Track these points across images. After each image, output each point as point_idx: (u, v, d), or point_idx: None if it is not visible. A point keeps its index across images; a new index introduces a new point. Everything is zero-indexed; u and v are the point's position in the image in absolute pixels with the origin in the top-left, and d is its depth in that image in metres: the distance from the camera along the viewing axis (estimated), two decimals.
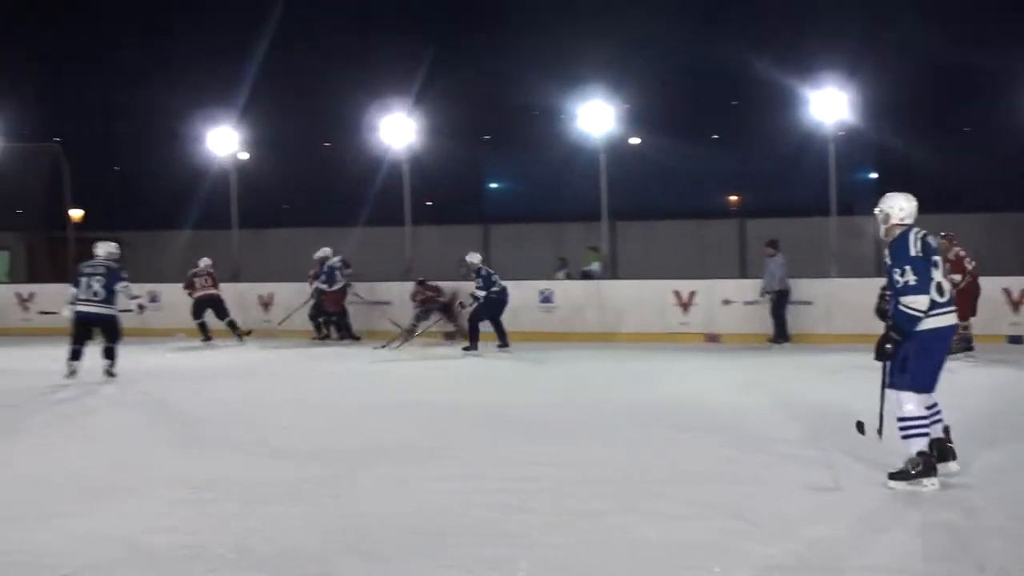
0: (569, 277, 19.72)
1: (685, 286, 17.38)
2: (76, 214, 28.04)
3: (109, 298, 12.52)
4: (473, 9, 31.49)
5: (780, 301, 16.21)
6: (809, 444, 7.74)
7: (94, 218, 30.41)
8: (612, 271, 20.36)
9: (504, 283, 16.02)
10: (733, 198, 32.04)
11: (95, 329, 12.60)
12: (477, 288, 15.76)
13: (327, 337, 17.96)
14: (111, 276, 12.58)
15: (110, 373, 12.42)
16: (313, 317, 18.02)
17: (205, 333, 17.87)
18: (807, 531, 5.48)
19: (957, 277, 13.41)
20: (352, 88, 26.82)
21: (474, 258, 16.29)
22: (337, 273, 17.76)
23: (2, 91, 27.23)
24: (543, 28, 30.54)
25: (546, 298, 17.88)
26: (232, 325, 17.84)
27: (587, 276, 19.66)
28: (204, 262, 18.19)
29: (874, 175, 30.03)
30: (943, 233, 14.02)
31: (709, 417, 9.22)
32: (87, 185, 26.24)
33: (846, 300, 15.87)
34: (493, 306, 15.74)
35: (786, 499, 6.14)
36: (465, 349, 15.72)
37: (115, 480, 6.84)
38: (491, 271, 16.07)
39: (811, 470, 6.80)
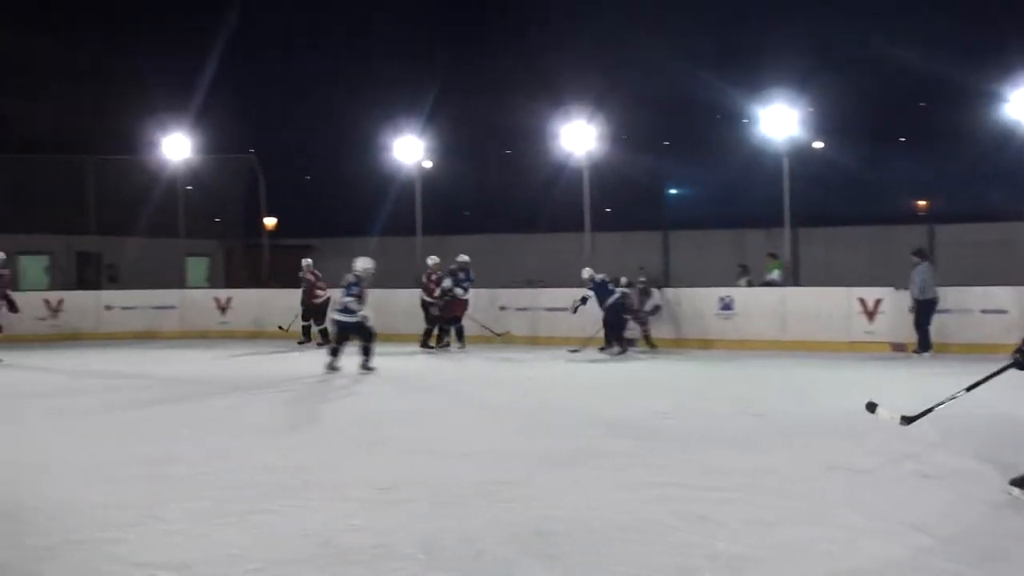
0: (751, 284, 19.46)
1: (870, 294, 16.93)
2: (270, 222, 29.31)
3: (353, 306, 13.80)
4: (653, 14, 31.39)
5: (924, 311, 15.76)
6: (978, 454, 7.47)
7: (287, 226, 31.71)
8: (794, 278, 19.96)
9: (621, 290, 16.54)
10: (921, 203, 30.95)
11: (350, 334, 14.00)
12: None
13: (446, 345, 17.97)
14: (350, 288, 13.85)
15: (366, 368, 13.83)
16: (435, 322, 18.06)
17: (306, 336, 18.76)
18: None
19: None
20: (533, 96, 27.15)
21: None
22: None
23: (204, 106, 28.66)
24: (725, 31, 30.24)
25: (726, 305, 17.70)
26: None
27: (768, 284, 19.36)
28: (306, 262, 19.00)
29: None
30: None
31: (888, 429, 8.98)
32: (280, 194, 27.36)
33: None
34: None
35: (963, 509, 5.95)
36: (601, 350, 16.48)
37: (307, 479, 7.11)
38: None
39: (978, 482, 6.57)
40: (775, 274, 19.44)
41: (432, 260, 18.31)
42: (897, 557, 5.20)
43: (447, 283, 17.53)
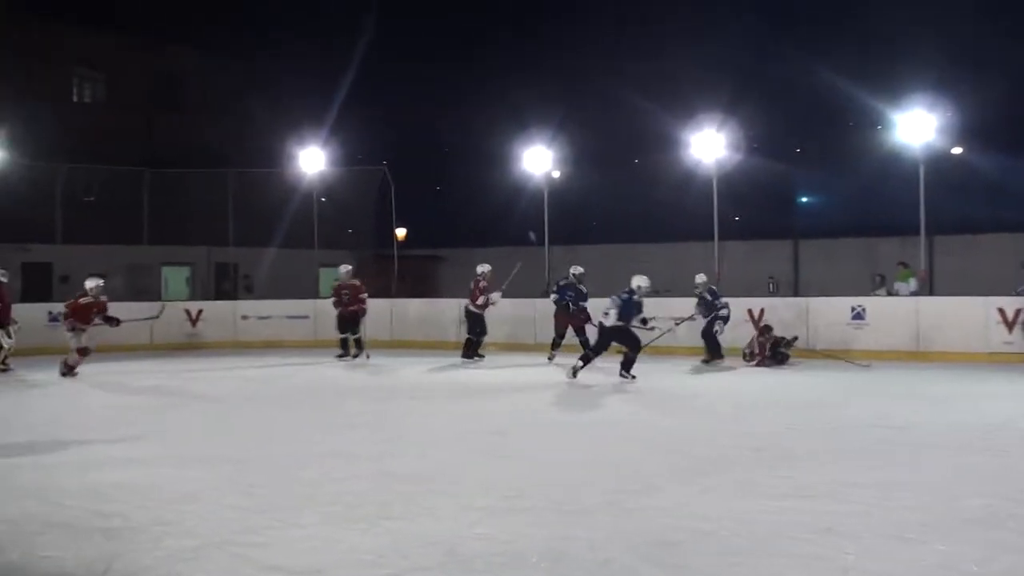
0: (889, 294, 19.07)
1: (1010, 303, 16.43)
2: (401, 233, 29.79)
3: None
4: (785, 18, 30.98)
5: None
6: None
7: (417, 236, 32.20)
8: (929, 287, 19.45)
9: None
10: None
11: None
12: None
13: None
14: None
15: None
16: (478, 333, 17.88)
17: (344, 348, 18.48)
18: None
19: None
20: (661, 104, 27.06)
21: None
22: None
23: (339, 119, 29.35)
24: (858, 34, 29.67)
25: (857, 315, 17.36)
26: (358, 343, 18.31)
27: (895, 294, 18.93)
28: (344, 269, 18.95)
29: None
30: None
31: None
32: (411, 205, 27.79)
33: None
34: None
35: None
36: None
37: (432, 487, 7.23)
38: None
39: None
40: (908, 283, 19.00)
41: (482, 268, 18.08)
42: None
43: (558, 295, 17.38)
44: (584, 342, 16.47)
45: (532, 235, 16.97)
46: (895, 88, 20.75)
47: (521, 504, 6.64)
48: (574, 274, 17.27)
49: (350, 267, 19.13)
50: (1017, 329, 16.16)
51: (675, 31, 34.16)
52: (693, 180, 21.54)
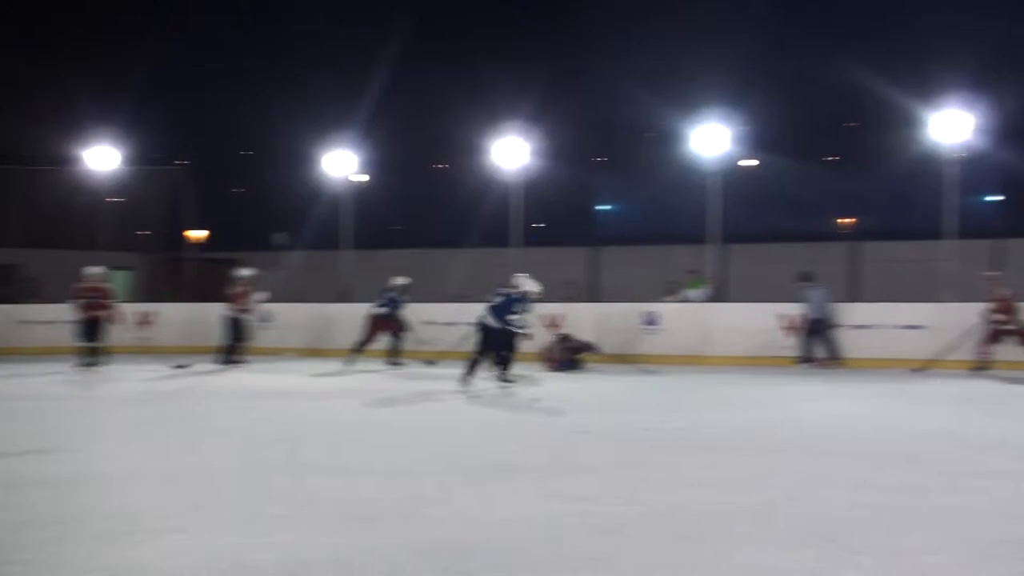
0: (684, 300, 19.72)
1: (792, 310, 17.22)
2: (198, 235, 28.89)
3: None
4: (587, 31, 31.58)
5: (814, 328, 16.73)
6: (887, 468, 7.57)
7: (216, 239, 31.29)
8: (720, 294, 20.19)
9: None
10: (846, 220, 31.40)
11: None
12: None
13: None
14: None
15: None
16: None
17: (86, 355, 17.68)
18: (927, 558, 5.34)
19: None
20: (467, 111, 27.13)
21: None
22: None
23: (134, 117, 28.25)
24: (657, 50, 30.48)
25: (650, 320, 17.82)
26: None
27: (686, 300, 19.52)
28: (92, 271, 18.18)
29: (1000, 198, 29.09)
30: (987, 275, 15.98)
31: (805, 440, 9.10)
32: (210, 207, 27.01)
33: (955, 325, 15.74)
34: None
35: (900, 531, 6.01)
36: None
37: (219, 495, 7.00)
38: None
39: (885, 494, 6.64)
40: (696, 291, 19.63)
41: (243, 272, 18.21)
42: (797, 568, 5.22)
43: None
44: (395, 346, 17.38)
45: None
46: (690, 101, 21.40)
47: (310, 513, 6.48)
48: (399, 285, 17.67)
49: (102, 268, 18.27)
50: (798, 335, 16.97)
51: (483, 36, 34.33)
52: (495, 186, 21.64)
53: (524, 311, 14.25)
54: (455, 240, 26.36)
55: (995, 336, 15.56)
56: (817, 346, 16.79)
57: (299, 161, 25.12)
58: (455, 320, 18.58)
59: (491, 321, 14.03)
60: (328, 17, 37.45)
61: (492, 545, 5.71)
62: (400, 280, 17.89)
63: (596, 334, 17.59)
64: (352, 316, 18.26)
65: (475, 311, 15.62)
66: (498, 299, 14.23)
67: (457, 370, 14.20)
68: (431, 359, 17.36)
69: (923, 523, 6.13)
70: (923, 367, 15.55)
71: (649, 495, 6.95)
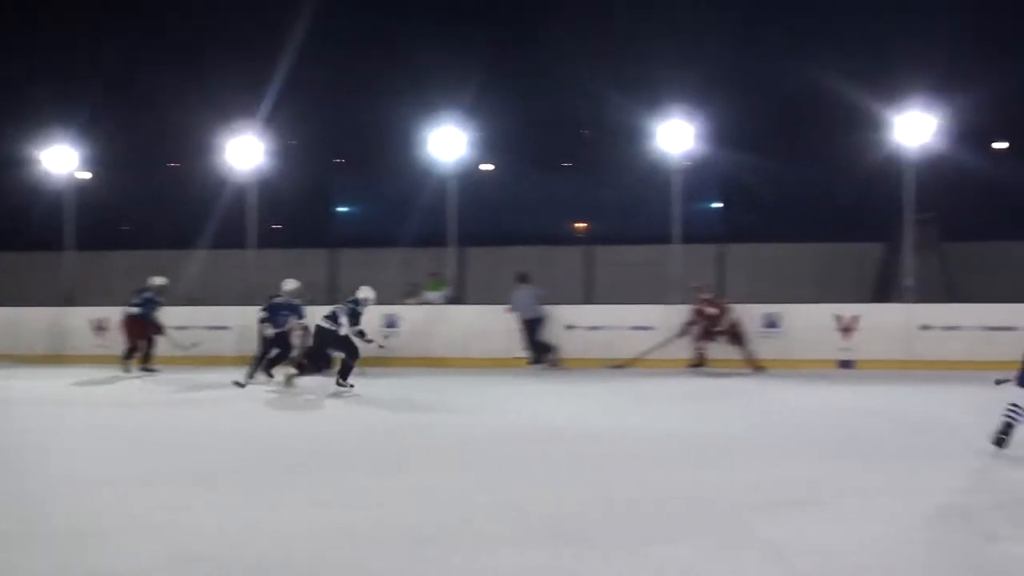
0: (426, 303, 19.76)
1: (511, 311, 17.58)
2: None
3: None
4: (323, 29, 31.12)
5: (532, 328, 17.13)
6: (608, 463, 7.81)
7: None
8: (459, 296, 20.38)
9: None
10: (580, 225, 32.36)
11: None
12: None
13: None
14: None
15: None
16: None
17: None
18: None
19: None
20: (198, 109, 26.17)
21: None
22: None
23: None
24: (396, 50, 30.44)
25: (390, 323, 17.76)
26: None
27: (427, 303, 19.58)
28: None
29: (719, 205, 30.65)
30: (694, 285, 16.98)
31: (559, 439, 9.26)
32: None
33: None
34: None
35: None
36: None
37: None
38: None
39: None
40: (435, 294, 19.75)
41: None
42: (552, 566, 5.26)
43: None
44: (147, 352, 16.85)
45: None
46: (427, 105, 21.45)
47: (32, 529, 6.10)
48: (157, 285, 17.05)
49: None
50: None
51: (211, 33, 33.20)
52: (230, 186, 20.99)
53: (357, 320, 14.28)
54: (188, 241, 25.38)
55: (706, 335, 16.47)
56: (540, 346, 17.17)
57: (15, 159, 23.53)
58: (188, 324, 18.00)
59: (328, 325, 14.12)
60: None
61: (221, 554, 5.50)
62: (157, 280, 17.15)
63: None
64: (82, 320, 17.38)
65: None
66: (343, 306, 14.34)
67: (190, 375, 13.69)
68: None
69: (664, 518, 6.32)
70: (622, 365, 16.30)
71: (394, 499, 6.88)
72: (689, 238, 19.65)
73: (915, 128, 17.57)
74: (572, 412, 11.79)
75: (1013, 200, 24.68)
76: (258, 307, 16.21)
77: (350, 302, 14.37)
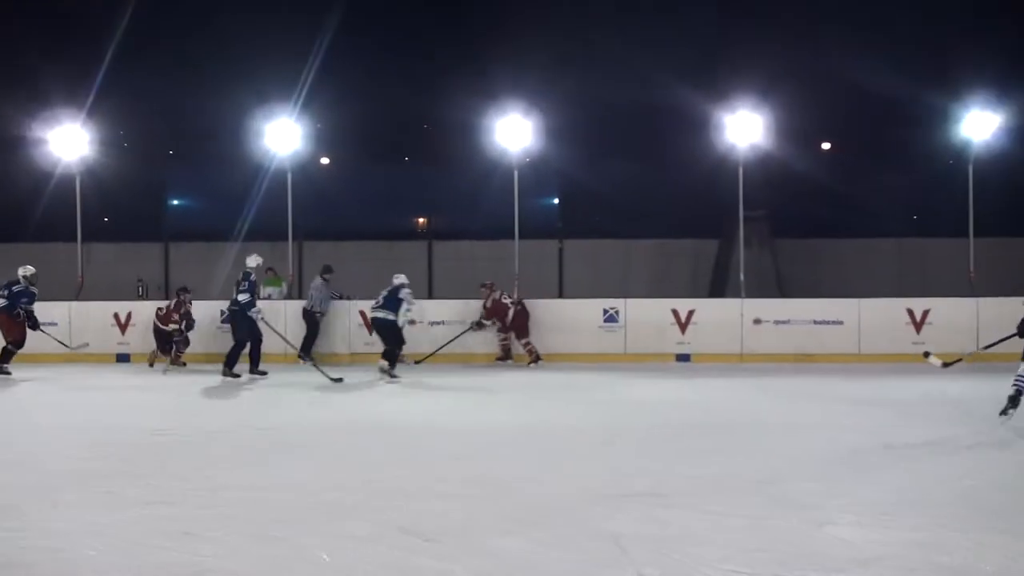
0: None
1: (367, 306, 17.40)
2: None
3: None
4: (154, 15, 30.17)
5: (312, 321, 17.22)
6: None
7: None
8: (299, 291, 20.09)
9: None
10: (422, 220, 32.32)
11: None
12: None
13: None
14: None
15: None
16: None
17: None
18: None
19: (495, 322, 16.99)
20: (22, 96, 25.04)
21: None
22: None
23: None
24: (229, 38, 29.75)
25: (227, 318, 17.36)
26: None
27: (270, 297, 19.22)
28: None
29: (556, 200, 31.02)
30: (482, 284, 17.22)
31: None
32: None
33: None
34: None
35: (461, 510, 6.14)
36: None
37: None
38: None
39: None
40: (273, 290, 19.41)
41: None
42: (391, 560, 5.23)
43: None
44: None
45: None
46: (262, 98, 21.01)
47: None
48: (24, 276, 15.72)
49: None
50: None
51: (31, 15, 31.78)
52: (53, 178, 20.13)
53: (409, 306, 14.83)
54: (9, 235, 24.30)
55: (504, 329, 16.96)
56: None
57: None
58: None
59: (383, 315, 14.63)
60: None
61: (59, 558, 5.28)
62: (26, 270, 15.84)
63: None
64: None
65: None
66: (392, 297, 14.66)
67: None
68: None
69: (499, 511, 6.35)
70: (420, 360, 16.56)
71: (227, 495, 6.72)
72: (529, 233, 19.83)
73: (745, 128, 18.16)
74: (398, 407, 11.77)
75: (838, 199, 25.74)
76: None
77: (394, 291, 14.72)
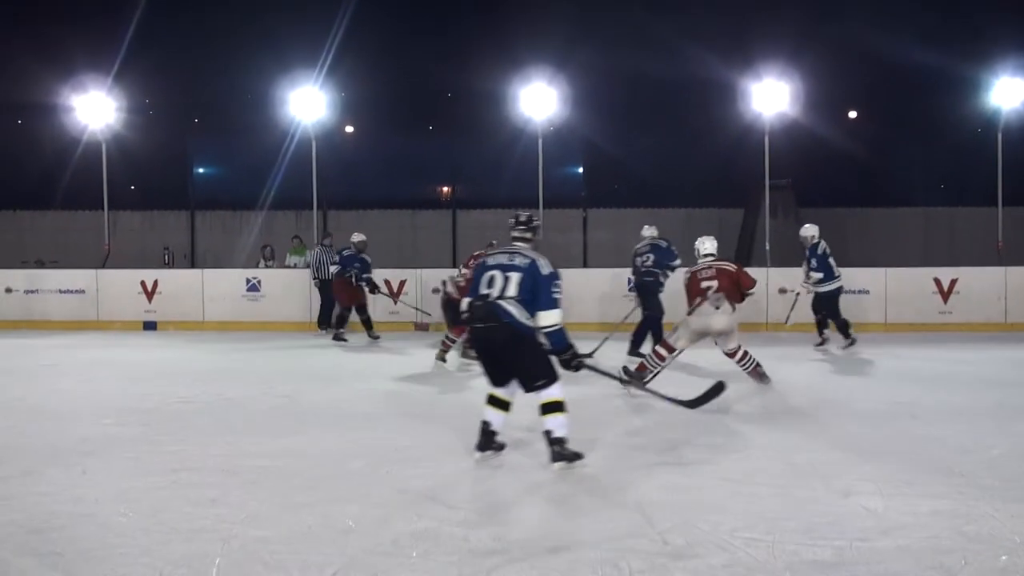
0: (283, 267, 19.43)
1: (395, 275, 17.41)
2: None
3: None
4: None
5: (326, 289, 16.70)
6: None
7: None
8: None
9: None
10: (445, 189, 32.30)
11: None
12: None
13: None
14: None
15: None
16: None
17: None
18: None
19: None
20: (47, 63, 25.13)
21: None
22: None
23: None
24: (254, 7, 29.75)
25: (253, 287, 17.44)
26: None
27: (289, 267, 19.28)
28: None
29: (580, 170, 30.93)
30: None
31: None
32: None
33: None
34: None
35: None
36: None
37: None
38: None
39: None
40: (298, 259, 19.43)
41: None
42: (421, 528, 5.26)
43: None
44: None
45: None
46: (287, 65, 21.03)
47: None
48: (354, 243, 15.84)
49: None
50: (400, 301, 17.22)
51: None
52: (81, 145, 20.22)
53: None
54: (37, 202, 24.51)
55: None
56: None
57: None
58: (39, 288, 17.42)
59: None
60: None
61: (89, 522, 5.34)
62: (356, 236, 15.95)
63: (200, 301, 17.10)
64: None
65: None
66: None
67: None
68: None
69: (522, 479, 6.38)
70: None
71: (252, 463, 6.76)
72: (554, 202, 19.78)
73: (771, 96, 18.03)
74: (431, 376, 11.79)
75: (865, 168, 25.58)
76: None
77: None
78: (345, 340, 15.16)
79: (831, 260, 14.01)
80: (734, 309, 9.97)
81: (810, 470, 6.44)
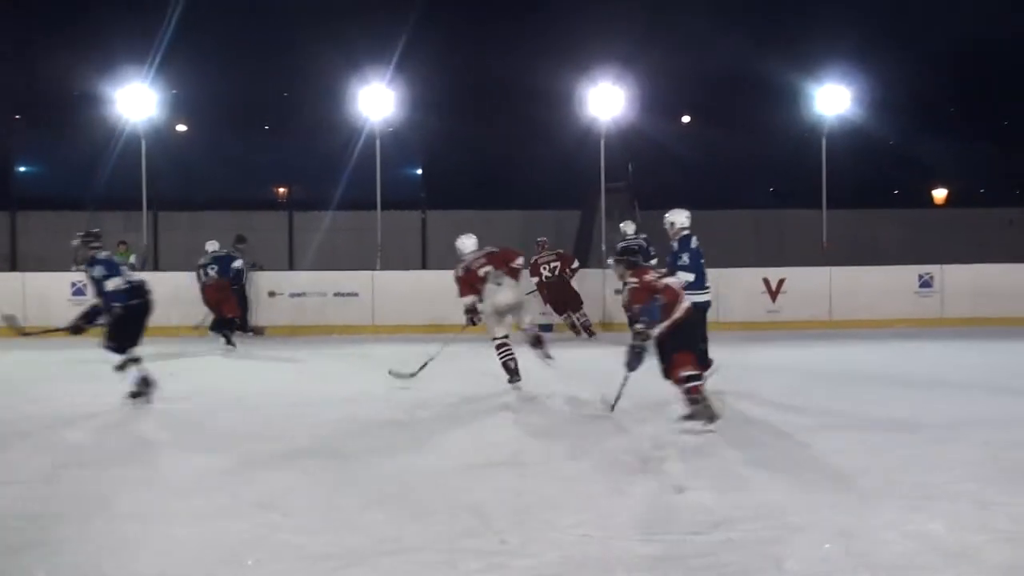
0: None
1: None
2: None
3: None
4: None
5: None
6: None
7: None
8: (154, 263, 19.53)
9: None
10: (282, 190, 31.67)
11: None
12: None
13: None
14: None
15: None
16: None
17: None
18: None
19: None
20: None
21: None
22: None
23: None
24: (81, 3, 28.68)
25: (78, 290, 16.79)
26: None
27: None
28: None
29: (419, 171, 30.77)
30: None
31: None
32: None
33: (390, 291, 16.65)
34: None
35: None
36: None
37: None
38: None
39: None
40: (130, 260, 18.77)
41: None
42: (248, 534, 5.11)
43: None
44: None
45: None
46: (114, 63, 20.30)
47: None
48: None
49: None
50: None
51: None
52: None
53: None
54: None
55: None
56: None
57: None
58: None
59: None
60: None
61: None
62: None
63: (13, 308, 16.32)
64: None
65: None
66: None
67: None
68: None
69: (362, 485, 6.29)
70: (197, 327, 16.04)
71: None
72: (392, 204, 19.67)
73: (606, 101, 18.36)
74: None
75: (698, 171, 26.22)
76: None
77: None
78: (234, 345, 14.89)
79: (703, 262, 11.10)
80: (517, 282, 10.34)
81: (642, 467, 6.53)
